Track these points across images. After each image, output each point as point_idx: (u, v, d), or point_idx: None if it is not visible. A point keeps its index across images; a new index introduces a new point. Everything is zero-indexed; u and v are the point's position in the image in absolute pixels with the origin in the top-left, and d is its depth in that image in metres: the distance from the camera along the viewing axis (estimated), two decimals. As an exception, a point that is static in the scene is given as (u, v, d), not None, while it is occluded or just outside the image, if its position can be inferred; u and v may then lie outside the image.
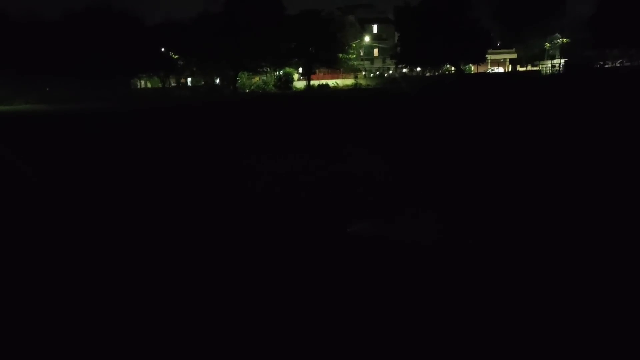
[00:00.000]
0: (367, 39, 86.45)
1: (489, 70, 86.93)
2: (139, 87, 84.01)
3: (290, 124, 21.35)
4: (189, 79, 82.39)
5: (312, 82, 70.39)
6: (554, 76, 62.08)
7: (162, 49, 70.69)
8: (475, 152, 11.34)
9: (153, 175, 10.66)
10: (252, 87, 71.88)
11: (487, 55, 74.00)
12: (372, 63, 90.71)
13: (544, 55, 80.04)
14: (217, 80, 77.47)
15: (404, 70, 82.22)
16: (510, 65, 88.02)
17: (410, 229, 6.00)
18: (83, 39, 62.38)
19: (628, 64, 76.57)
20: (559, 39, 79.10)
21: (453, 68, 73.94)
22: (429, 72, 79.09)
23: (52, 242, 6.20)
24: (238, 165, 11.24)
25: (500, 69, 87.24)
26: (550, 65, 77.76)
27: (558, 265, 4.72)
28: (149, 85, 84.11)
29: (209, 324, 3.94)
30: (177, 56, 72.14)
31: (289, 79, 70.93)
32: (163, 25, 69.37)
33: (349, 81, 72.47)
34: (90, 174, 10.97)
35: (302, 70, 74.50)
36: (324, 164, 10.45)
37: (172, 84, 79.20)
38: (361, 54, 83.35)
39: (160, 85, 76.68)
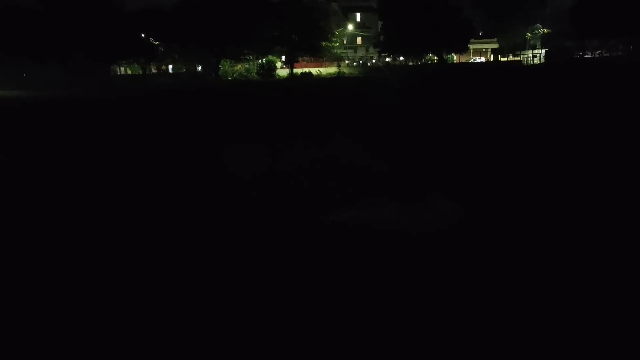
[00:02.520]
0: (350, 27, 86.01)
1: (471, 60, 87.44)
2: (118, 73, 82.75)
3: (274, 111, 21.21)
4: (170, 66, 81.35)
5: (295, 71, 70.03)
6: (535, 66, 62.69)
7: (142, 35, 69.56)
8: (459, 142, 11.41)
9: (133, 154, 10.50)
10: (234, 75, 71.30)
11: (469, 45, 74.40)
12: (355, 52, 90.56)
13: (525, 45, 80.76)
14: (199, 68, 76.65)
15: (387, 59, 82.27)
16: (492, 55, 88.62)
17: (392, 216, 6.00)
18: (60, 25, 61.05)
19: (607, 54, 77.74)
20: (540, 29, 79.83)
21: (436, 57, 74.24)
22: (412, 61, 79.31)
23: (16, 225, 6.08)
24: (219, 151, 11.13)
25: (482, 59, 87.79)
26: (531, 55, 78.55)
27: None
28: (129, 72, 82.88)
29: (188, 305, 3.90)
30: (157, 42, 71.08)
31: (271, 67, 70.61)
32: (143, 11, 68.16)
33: (332, 69, 72.30)
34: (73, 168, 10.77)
35: (285, 59, 74.10)
36: (309, 148, 10.41)
37: (153, 71, 78.19)
38: (344, 42, 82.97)
39: (140, 72, 75.57)
